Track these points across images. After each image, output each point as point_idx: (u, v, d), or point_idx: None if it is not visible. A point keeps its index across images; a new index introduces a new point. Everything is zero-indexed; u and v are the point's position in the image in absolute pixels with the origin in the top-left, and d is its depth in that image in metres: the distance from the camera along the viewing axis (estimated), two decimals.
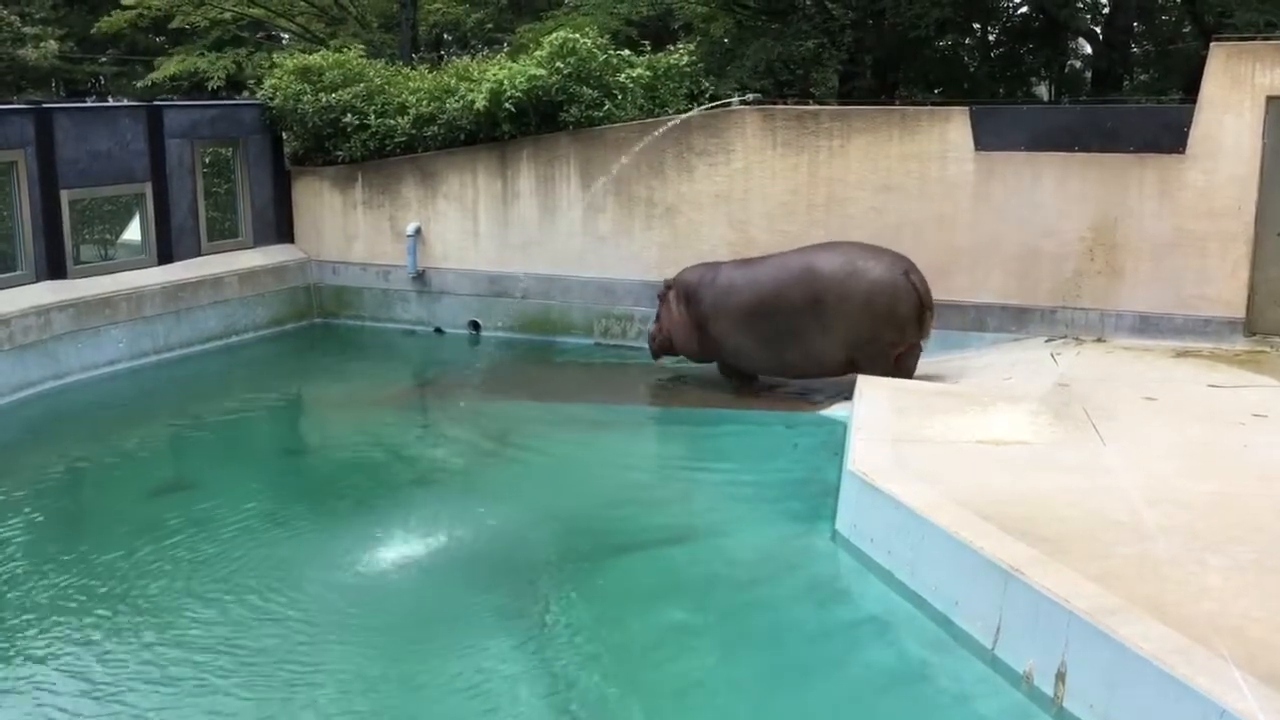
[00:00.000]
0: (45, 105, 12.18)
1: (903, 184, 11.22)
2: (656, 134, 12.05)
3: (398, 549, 7.35)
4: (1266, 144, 9.97)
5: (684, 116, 12.10)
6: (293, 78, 14.11)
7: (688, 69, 13.41)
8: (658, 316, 11.16)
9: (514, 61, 13.23)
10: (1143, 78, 17.66)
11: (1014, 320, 11.01)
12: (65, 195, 11.72)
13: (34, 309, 11.10)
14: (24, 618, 6.45)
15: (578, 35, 12.94)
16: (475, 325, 13.59)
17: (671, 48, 14.15)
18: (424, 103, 13.40)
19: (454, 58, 18.95)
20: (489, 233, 13.30)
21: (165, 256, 12.79)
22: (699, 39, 16.57)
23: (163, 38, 25.93)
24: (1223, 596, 5.15)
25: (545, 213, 12.93)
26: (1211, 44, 10.33)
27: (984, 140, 10.92)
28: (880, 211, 11.29)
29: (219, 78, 22.50)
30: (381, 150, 13.72)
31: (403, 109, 13.56)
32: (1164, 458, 7.18)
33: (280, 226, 14.35)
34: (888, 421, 8.07)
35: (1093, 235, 10.64)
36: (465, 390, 11.80)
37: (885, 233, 10.96)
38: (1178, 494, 6.47)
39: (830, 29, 15.57)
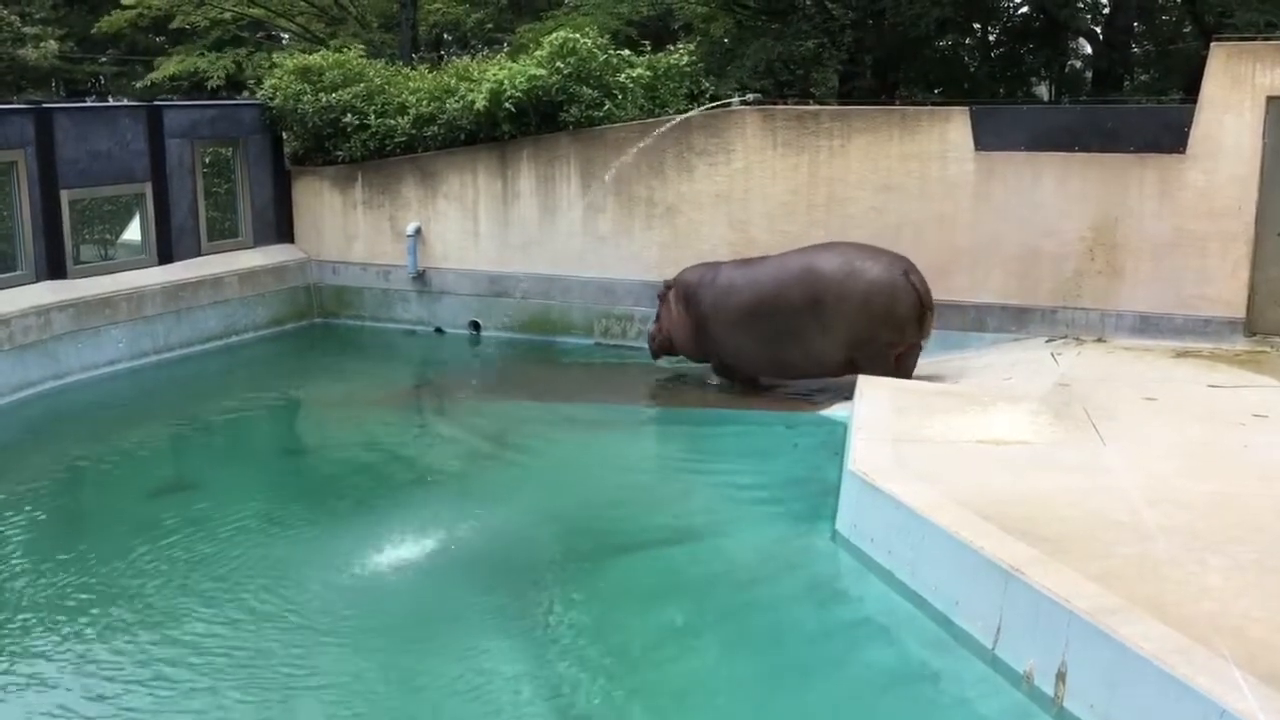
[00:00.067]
0: (45, 105, 12.18)
1: (903, 184, 11.21)
2: (657, 134, 12.05)
3: (397, 549, 7.35)
4: (1267, 144, 9.97)
5: (684, 116, 12.09)
6: (293, 78, 14.11)
7: (688, 69, 13.41)
8: (658, 316, 11.17)
9: (514, 61, 13.22)
10: (1143, 78, 17.66)
11: (1014, 320, 11.01)
12: (65, 195, 11.72)
13: (34, 309, 11.10)
14: (23, 617, 6.45)
15: (578, 35, 12.94)
16: (475, 325, 13.59)
17: (671, 48, 14.14)
18: (424, 103, 13.40)
19: (454, 58, 18.94)
20: (489, 233, 13.30)
21: (165, 256, 12.79)
22: (699, 39, 16.56)
23: (163, 38, 25.92)
24: (1223, 596, 5.15)
25: (545, 213, 12.93)
26: (1212, 44, 10.33)
27: (984, 140, 10.91)
28: (880, 211, 11.28)
29: (219, 78, 22.51)
30: (381, 150, 13.71)
31: (403, 109, 13.56)
32: (1164, 458, 7.17)
33: (280, 226, 14.35)
34: (888, 421, 8.07)
35: (1093, 235, 10.63)
36: (465, 390, 11.80)
37: (885, 233, 10.96)
38: (1178, 494, 6.47)
39: (830, 29, 15.57)
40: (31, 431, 10.22)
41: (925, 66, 17.73)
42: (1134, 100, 14.18)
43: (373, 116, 13.64)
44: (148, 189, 12.63)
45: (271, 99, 14.09)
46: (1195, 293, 10.36)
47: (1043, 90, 19.04)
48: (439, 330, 13.75)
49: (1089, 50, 18.58)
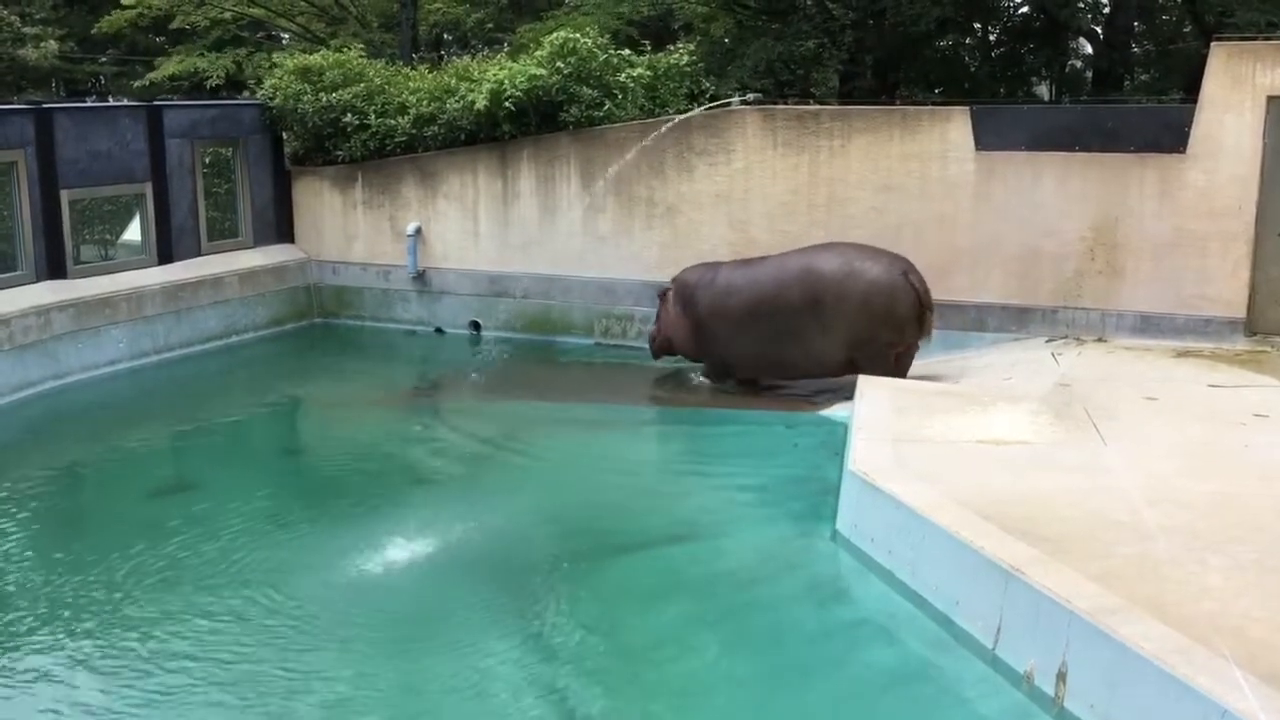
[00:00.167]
0: (45, 105, 12.18)
1: (903, 184, 11.21)
2: (657, 134, 12.05)
3: (398, 549, 7.34)
4: (1267, 144, 9.97)
5: (684, 116, 12.09)
6: (293, 78, 14.11)
7: (688, 69, 13.41)
8: (658, 317, 11.17)
9: (514, 61, 13.22)
10: (1143, 77, 17.65)
11: (1014, 320, 11.01)
12: (65, 195, 11.72)
13: (34, 309, 11.10)
14: (22, 617, 6.44)
15: (578, 35, 12.94)
16: (476, 325, 13.59)
17: (672, 48, 14.14)
18: (424, 103, 13.40)
19: (454, 58, 18.95)
20: (489, 233, 13.30)
21: (165, 256, 12.79)
22: (699, 39, 16.56)
23: (163, 38, 25.91)
24: (1223, 596, 5.15)
25: (545, 213, 12.92)
26: (1212, 44, 10.33)
27: (984, 140, 10.91)
28: (881, 211, 11.28)
29: (219, 78, 22.50)
30: (381, 150, 13.71)
31: (403, 109, 13.56)
32: (1165, 457, 7.17)
33: (280, 226, 14.35)
34: (888, 421, 8.07)
35: (1093, 235, 10.63)
36: (465, 390, 11.80)
37: (886, 233, 10.96)
38: (1178, 494, 6.47)
39: (830, 29, 15.56)
40: (31, 431, 10.22)
41: (925, 66, 17.72)
42: (1134, 100, 14.17)
43: (373, 116, 13.64)
44: (148, 189, 12.63)
45: (271, 99, 14.09)
46: (1196, 292, 10.36)
47: (1043, 90, 19.03)
48: (439, 330, 13.75)
49: (1089, 50, 18.57)
